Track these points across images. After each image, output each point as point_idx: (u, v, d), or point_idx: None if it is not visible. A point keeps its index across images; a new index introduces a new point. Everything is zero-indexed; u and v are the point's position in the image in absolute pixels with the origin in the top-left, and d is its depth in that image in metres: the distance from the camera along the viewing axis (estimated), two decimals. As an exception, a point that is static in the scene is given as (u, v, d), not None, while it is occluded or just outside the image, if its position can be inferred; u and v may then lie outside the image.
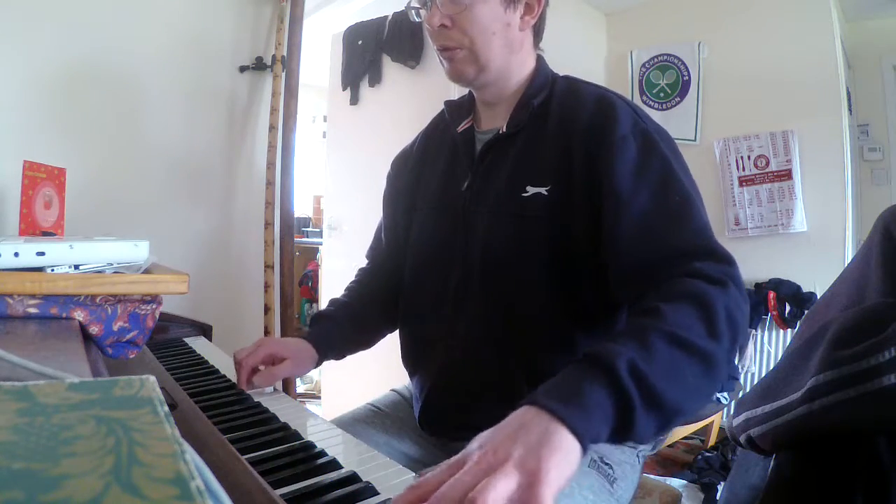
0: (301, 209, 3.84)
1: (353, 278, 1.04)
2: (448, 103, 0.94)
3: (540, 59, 0.87)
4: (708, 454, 2.20)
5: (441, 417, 0.82)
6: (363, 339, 0.97)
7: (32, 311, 0.58)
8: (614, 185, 0.69)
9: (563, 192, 0.74)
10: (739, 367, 2.47)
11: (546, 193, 0.75)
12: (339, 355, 0.93)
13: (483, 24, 0.77)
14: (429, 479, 0.42)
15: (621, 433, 0.49)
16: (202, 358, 1.00)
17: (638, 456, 0.84)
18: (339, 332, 0.92)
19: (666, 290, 0.61)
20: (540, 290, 0.75)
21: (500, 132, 0.82)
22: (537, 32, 0.85)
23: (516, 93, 0.84)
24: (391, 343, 0.97)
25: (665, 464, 2.27)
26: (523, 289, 0.76)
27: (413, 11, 0.84)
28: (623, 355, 0.50)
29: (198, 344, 1.12)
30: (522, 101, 0.82)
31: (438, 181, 0.90)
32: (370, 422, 0.90)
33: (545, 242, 0.74)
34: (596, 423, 0.46)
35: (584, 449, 0.45)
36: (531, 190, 0.76)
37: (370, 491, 0.53)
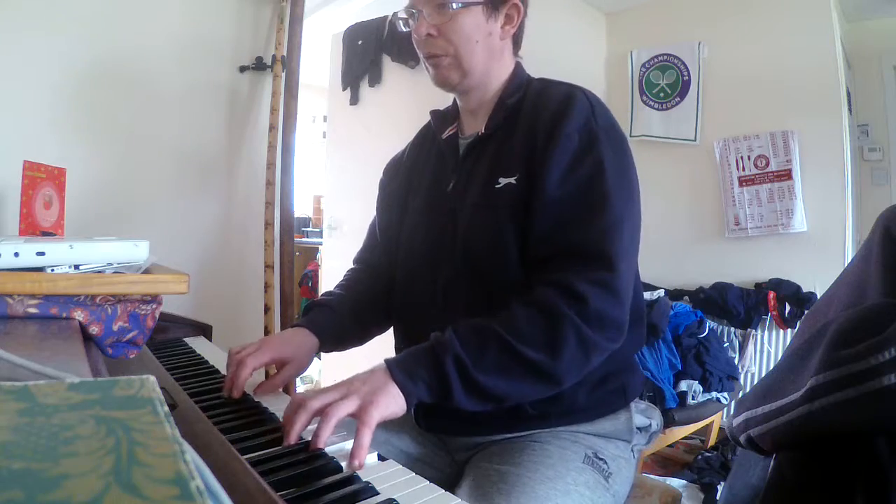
0: (301, 209, 3.84)
1: (342, 279, 1.04)
2: (433, 113, 0.99)
3: (518, 66, 0.91)
4: (708, 454, 2.20)
5: (436, 414, 0.83)
6: (358, 332, 0.97)
7: (32, 311, 0.58)
8: (544, 180, 0.75)
9: (528, 181, 0.78)
10: (739, 367, 2.47)
11: (515, 183, 0.79)
12: (335, 346, 0.93)
13: (466, 33, 0.82)
14: (308, 397, 0.64)
15: (445, 401, 0.68)
16: (202, 358, 1.00)
17: (632, 450, 0.85)
18: (338, 322, 0.92)
19: (532, 296, 0.72)
20: (517, 276, 0.78)
21: (479, 134, 0.86)
22: (516, 41, 0.90)
23: (494, 97, 0.88)
24: (388, 343, 0.97)
25: (665, 464, 2.27)
26: (502, 277, 0.79)
27: (401, 21, 0.88)
28: (454, 350, 0.68)
29: (198, 344, 1.12)
30: (499, 103, 0.87)
31: (427, 186, 0.93)
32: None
33: (518, 230, 0.77)
34: (418, 390, 0.67)
35: (410, 402, 0.66)
36: (503, 181, 0.80)
37: (370, 491, 0.53)
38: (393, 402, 0.65)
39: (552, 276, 0.72)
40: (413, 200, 0.95)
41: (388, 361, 0.69)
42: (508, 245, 0.78)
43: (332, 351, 0.94)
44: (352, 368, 0.70)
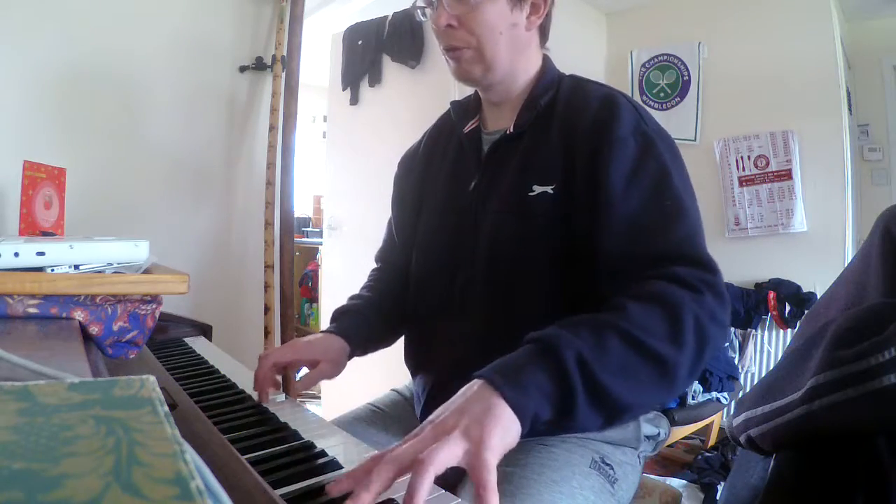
0: (301, 209, 3.84)
1: (366, 279, 1.02)
2: (454, 104, 0.94)
3: (546, 59, 0.87)
4: (708, 454, 2.20)
5: None
6: (387, 334, 0.95)
7: (32, 311, 0.58)
8: (608, 185, 0.70)
9: (567, 191, 0.74)
10: (739, 367, 2.47)
11: (552, 192, 0.75)
12: (365, 350, 0.90)
13: (490, 24, 0.77)
14: (390, 448, 0.48)
15: (563, 418, 0.53)
16: (202, 358, 1.00)
17: (639, 457, 0.84)
18: (368, 327, 0.89)
19: (638, 289, 0.62)
20: (543, 287, 0.75)
21: (507, 132, 0.82)
22: (543, 32, 0.85)
23: (522, 93, 0.84)
24: (396, 346, 0.97)
25: (665, 464, 2.27)
26: (527, 287, 0.76)
27: (419, 11, 0.84)
28: (573, 345, 0.54)
29: (198, 344, 1.12)
30: (529, 101, 0.82)
31: (445, 182, 0.90)
32: (370, 422, 0.90)
33: (550, 240, 0.75)
34: (535, 403, 0.51)
35: (525, 424, 0.50)
36: (537, 189, 0.76)
37: (370, 491, 0.53)
38: (509, 431, 0.49)
39: (656, 272, 0.63)
40: (429, 197, 0.92)
41: (485, 375, 0.53)
42: (539, 257, 0.75)
43: (362, 355, 0.90)
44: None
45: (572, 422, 0.54)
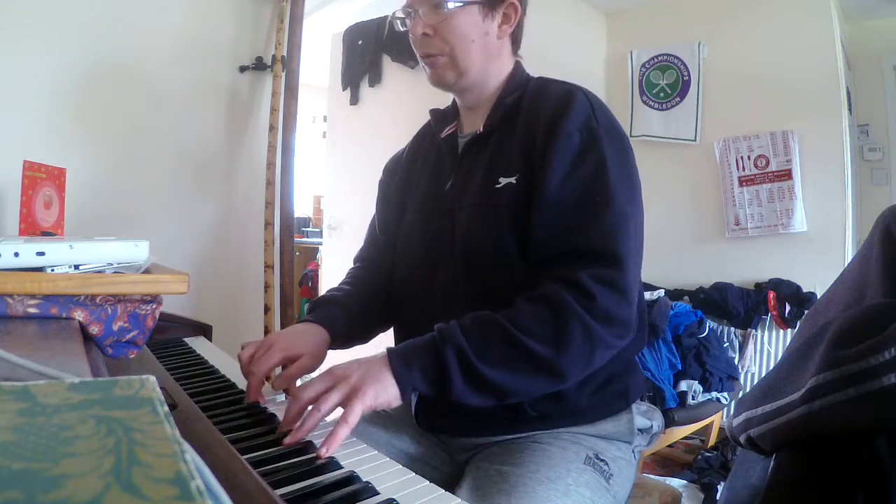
0: (301, 209, 3.84)
1: (345, 276, 1.02)
2: (433, 111, 0.99)
3: (517, 65, 0.91)
4: (708, 454, 2.20)
5: (436, 414, 0.83)
6: (365, 329, 0.95)
7: (32, 311, 0.58)
8: (547, 178, 0.74)
9: (528, 181, 0.77)
10: (739, 367, 2.47)
11: (515, 182, 0.78)
12: (345, 343, 0.90)
13: (462, 33, 0.82)
14: (300, 386, 0.67)
15: (444, 394, 0.67)
16: (202, 358, 1.00)
17: (634, 452, 0.85)
18: (348, 317, 0.89)
19: (536, 291, 0.71)
20: (517, 277, 0.77)
21: (477, 133, 0.86)
22: (515, 40, 0.90)
23: (493, 96, 0.88)
24: (389, 343, 0.97)
25: (665, 464, 2.27)
26: (503, 279, 0.78)
27: (398, 21, 0.88)
28: (457, 339, 0.68)
29: (198, 344, 1.12)
30: (498, 102, 0.86)
31: (425, 185, 0.93)
32: (370, 421, 0.90)
33: (517, 230, 0.77)
34: (414, 378, 0.67)
35: (404, 392, 0.66)
36: (503, 181, 0.79)
37: (370, 491, 0.53)
38: (383, 392, 0.65)
39: (559, 272, 0.71)
40: (411, 200, 0.95)
41: (388, 349, 0.70)
42: (509, 246, 0.77)
43: (340, 348, 0.90)
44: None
45: (452, 397, 0.67)
